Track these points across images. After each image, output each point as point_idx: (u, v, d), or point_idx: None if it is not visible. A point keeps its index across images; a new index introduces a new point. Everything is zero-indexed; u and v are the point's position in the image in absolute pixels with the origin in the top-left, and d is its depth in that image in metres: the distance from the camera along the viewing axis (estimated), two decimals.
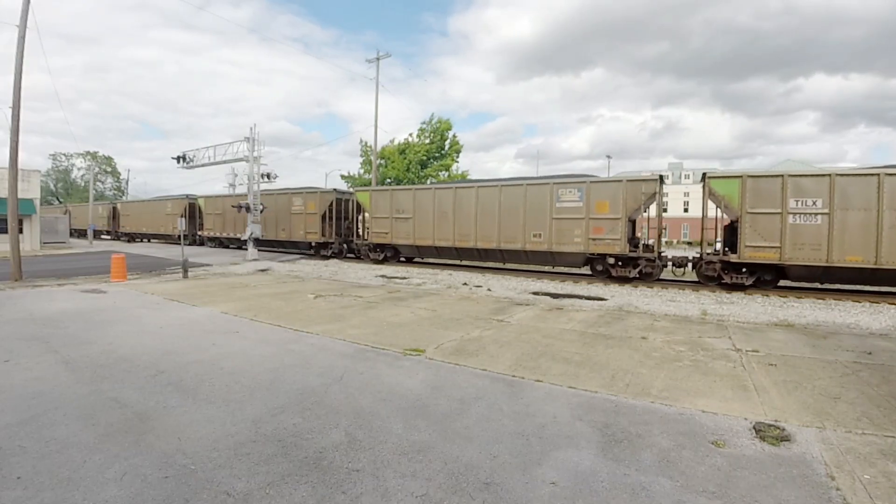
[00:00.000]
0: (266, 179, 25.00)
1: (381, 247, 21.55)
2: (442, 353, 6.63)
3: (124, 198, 63.73)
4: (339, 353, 6.60)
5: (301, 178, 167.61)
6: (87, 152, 72.20)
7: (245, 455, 3.57)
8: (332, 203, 24.04)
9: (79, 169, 74.13)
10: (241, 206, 23.56)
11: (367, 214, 23.28)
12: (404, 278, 16.32)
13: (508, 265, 19.25)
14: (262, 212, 23.88)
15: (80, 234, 46.78)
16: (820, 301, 12.14)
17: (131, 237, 40.32)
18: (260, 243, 27.50)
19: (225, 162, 25.24)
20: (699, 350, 6.97)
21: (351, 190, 26.99)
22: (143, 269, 17.96)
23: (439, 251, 19.71)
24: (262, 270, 18.26)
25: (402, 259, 22.39)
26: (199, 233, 32.30)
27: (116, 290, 12.30)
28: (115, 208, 44.40)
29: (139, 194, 64.96)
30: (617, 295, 12.91)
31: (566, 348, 6.98)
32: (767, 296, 12.86)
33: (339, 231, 24.57)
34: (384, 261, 21.54)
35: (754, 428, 4.19)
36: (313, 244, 24.52)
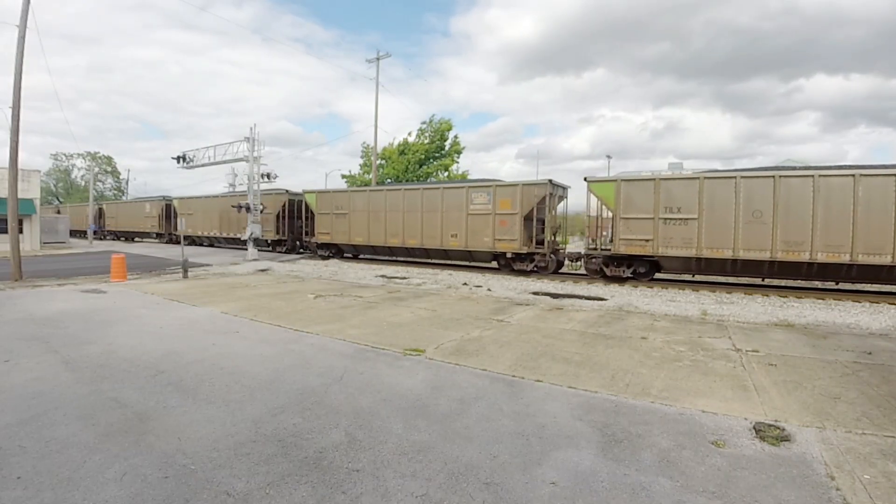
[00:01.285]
0: (266, 179, 24.99)
1: (626, 259, 15.98)
2: (442, 353, 6.63)
3: (124, 197, 63.35)
4: (339, 353, 6.60)
5: (301, 178, 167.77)
6: (88, 152, 72.14)
7: (245, 455, 3.57)
8: (543, 199, 17.25)
9: (79, 169, 74.12)
10: (240, 206, 23.57)
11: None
12: (404, 278, 16.32)
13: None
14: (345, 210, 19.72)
15: (119, 236, 42.01)
16: (820, 301, 12.14)
17: (192, 240, 33.31)
18: (408, 253, 21.51)
19: (225, 162, 25.25)
20: (699, 350, 6.97)
21: (555, 183, 18.11)
22: (142, 269, 17.96)
23: (738, 266, 14.23)
24: (262, 270, 18.26)
25: (656, 276, 16.30)
26: (311, 239, 24.95)
27: (116, 290, 12.30)
28: (168, 206, 36.93)
29: (139, 194, 64.11)
30: (617, 295, 12.91)
31: (566, 348, 6.98)
32: (767, 296, 12.86)
33: (538, 237, 17.70)
34: (627, 279, 15.92)
35: (754, 428, 4.19)
36: (508, 255, 17.73)
